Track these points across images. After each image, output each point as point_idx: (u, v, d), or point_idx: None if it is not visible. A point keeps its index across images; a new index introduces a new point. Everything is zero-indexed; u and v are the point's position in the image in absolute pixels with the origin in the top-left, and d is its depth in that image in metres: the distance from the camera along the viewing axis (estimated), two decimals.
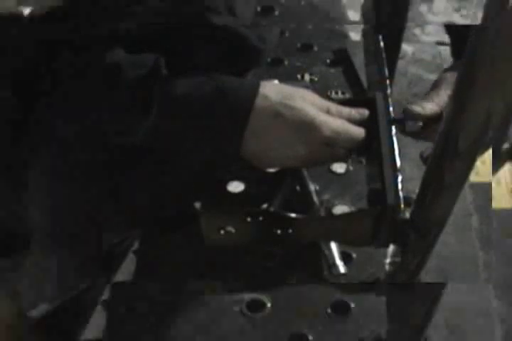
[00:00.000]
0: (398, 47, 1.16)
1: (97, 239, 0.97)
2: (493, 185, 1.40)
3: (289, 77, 1.27)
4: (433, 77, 1.42)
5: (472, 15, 1.73)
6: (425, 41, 1.68)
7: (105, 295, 1.18)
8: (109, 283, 1.17)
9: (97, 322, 1.16)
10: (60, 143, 0.89)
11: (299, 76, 1.27)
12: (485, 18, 0.52)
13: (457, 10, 1.73)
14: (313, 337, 1.02)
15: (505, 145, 1.36)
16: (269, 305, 1.05)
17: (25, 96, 0.92)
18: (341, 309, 1.04)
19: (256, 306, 1.04)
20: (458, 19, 1.70)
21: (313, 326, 1.02)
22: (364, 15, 1.15)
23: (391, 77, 1.11)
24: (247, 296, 1.05)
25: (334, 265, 1.03)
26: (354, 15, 1.35)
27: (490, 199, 1.29)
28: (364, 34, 1.20)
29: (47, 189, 0.91)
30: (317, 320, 1.03)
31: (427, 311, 0.82)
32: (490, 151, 1.29)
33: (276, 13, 1.30)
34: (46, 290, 1.16)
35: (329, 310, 1.04)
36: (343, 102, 0.98)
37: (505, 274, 1.24)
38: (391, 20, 1.10)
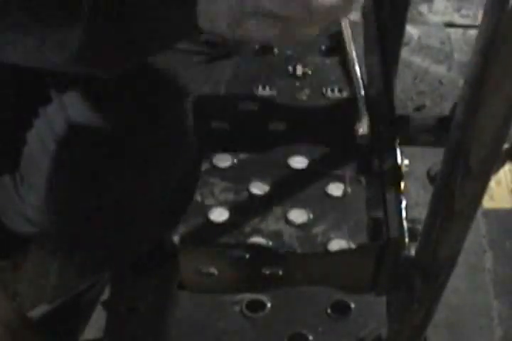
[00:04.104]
0: (402, 30, 1.08)
1: (98, 239, 0.97)
2: (493, 185, 1.40)
3: (278, 69, 1.12)
4: (441, 69, 1.38)
5: (472, 15, 1.73)
6: (433, 21, 1.64)
7: (105, 295, 1.18)
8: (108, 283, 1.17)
9: (97, 322, 1.16)
10: (59, 143, 0.89)
11: (290, 68, 1.13)
12: (485, 18, 0.52)
13: (457, 10, 1.73)
14: (313, 337, 1.01)
15: (506, 145, 1.36)
16: (269, 305, 1.04)
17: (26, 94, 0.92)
18: (341, 309, 1.04)
19: (256, 306, 1.04)
20: (458, 19, 1.70)
21: (313, 326, 1.02)
22: (364, 15, 1.14)
23: (394, 68, 1.06)
24: (247, 296, 1.05)
25: None
26: (354, 15, 1.33)
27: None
28: (364, 14, 1.13)
29: (47, 188, 0.91)
30: (317, 320, 1.03)
31: (427, 311, 0.81)
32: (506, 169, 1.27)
33: None
34: (46, 290, 1.15)
35: (329, 310, 1.04)
36: (341, 102, 0.95)
37: (505, 274, 1.24)
38: (391, 20, 1.10)
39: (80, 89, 0.89)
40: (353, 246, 0.87)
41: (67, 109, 0.88)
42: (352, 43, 1.07)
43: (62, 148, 0.88)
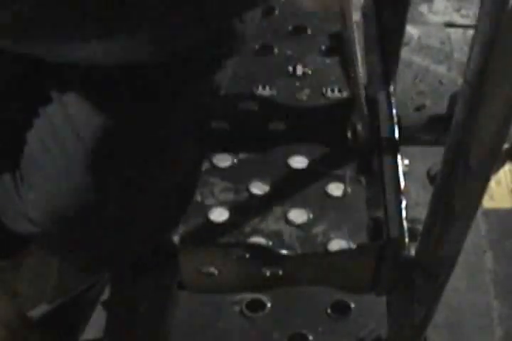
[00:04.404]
0: (402, 30, 1.08)
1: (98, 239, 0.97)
2: (493, 185, 1.40)
3: (278, 69, 1.12)
4: (441, 69, 1.38)
5: (472, 15, 1.73)
6: (433, 22, 1.64)
7: (105, 295, 1.18)
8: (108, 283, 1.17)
9: (97, 322, 1.16)
10: (59, 142, 0.89)
11: (290, 68, 1.12)
12: (485, 18, 0.52)
13: (457, 10, 1.73)
14: (313, 337, 1.01)
15: (506, 145, 1.35)
16: (269, 305, 1.04)
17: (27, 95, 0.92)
18: (341, 309, 1.04)
19: (256, 306, 1.04)
20: (458, 19, 1.70)
21: (313, 326, 1.02)
22: (364, 15, 1.14)
23: (394, 68, 1.06)
24: (247, 296, 1.05)
25: None
26: (354, 15, 1.33)
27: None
28: (364, 14, 1.13)
29: (47, 188, 0.91)
30: (317, 320, 1.03)
31: (427, 311, 0.81)
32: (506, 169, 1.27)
33: (277, 12, 1.26)
34: (46, 290, 1.15)
35: (329, 310, 1.04)
36: (341, 102, 0.95)
37: (505, 274, 1.24)
38: (391, 20, 1.10)
39: (80, 89, 0.89)
40: (353, 246, 0.87)
41: (67, 109, 0.88)
42: (356, 42, 1.07)
43: (63, 149, 0.89)
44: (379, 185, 0.91)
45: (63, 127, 0.88)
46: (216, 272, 0.86)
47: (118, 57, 0.81)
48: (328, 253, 0.88)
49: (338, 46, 1.14)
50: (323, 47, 1.15)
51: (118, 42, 0.78)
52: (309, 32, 1.18)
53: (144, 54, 0.82)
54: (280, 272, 0.86)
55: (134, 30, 0.77)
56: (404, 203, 0.86)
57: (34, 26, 0.74)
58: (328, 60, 1.13)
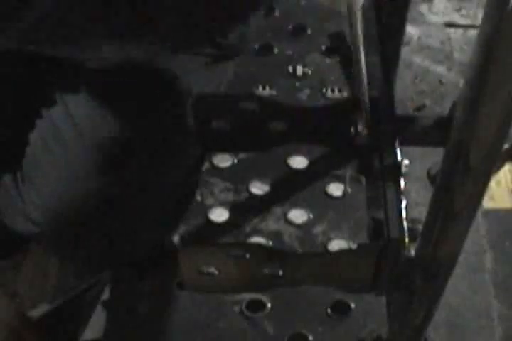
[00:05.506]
0: (402, 30, 1.08)
1: (99, 239, 0.97)
2: (493, 185, 1.40)
3: (279, 69, 1.12)
4: (441, 69, 1.39)
5: (472, 15, 1.73)
6: (433, 22, 1.64)
7: (105, 295, 1.18)
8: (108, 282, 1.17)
9: (97, 322, 1.16)
10: (64, 144, 0.89)
11: (290, 68, 1.12)
12: (485, 18, 0.52)
13: (457, 10, 1.73)
14: (313, 337, 1.01)
15: (506, 145, 1.35)
16: (269, 305, 1.04)
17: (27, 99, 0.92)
18: (341, 309, 1.04)
19: (256, 306, 1.04)
20: (458, 19, 1.70)
21: (313, 326, 1.02)
22: (364, 15, 1.14)
23: (394, 68, 1.06)
24: (247, 296, 1.05)
25: None
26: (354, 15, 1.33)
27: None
28: (364, 13, 1.14)
29: (48, 188, 0.91)
30: (317, 320, 1.03)
31: (427, 311, 0.81)
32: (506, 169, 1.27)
33: (277, 12, 1.26)
34: (46, 290, 1.15)
35: (329, 310, 1.04)
36: (341, 102, 0.95)
37: (506, 274, 1.24)
38: (391, 20, 1.10)
39: (83, 90, 0.89)
40: (353, 246, 0.88)
41: (69, 110, 0.89)
42: (360, 41, 1.06)
43: (65, 149, 0.89)
44: (379, 185, 0.91)
45: (65, 128, 0.88)
46: (216, 272, 0.86)
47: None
48: (328, 253, 0.88)
49: (338, 46, 1.14)
50: (323, 47, 1.15)
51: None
52: (309, 32, 1.18)
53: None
54: (280, 272, 0.86)
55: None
56: (404, 203, 0.86)
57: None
58: (328, 60, 1.13)
